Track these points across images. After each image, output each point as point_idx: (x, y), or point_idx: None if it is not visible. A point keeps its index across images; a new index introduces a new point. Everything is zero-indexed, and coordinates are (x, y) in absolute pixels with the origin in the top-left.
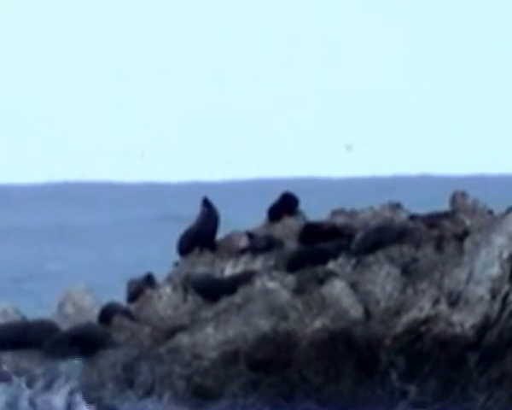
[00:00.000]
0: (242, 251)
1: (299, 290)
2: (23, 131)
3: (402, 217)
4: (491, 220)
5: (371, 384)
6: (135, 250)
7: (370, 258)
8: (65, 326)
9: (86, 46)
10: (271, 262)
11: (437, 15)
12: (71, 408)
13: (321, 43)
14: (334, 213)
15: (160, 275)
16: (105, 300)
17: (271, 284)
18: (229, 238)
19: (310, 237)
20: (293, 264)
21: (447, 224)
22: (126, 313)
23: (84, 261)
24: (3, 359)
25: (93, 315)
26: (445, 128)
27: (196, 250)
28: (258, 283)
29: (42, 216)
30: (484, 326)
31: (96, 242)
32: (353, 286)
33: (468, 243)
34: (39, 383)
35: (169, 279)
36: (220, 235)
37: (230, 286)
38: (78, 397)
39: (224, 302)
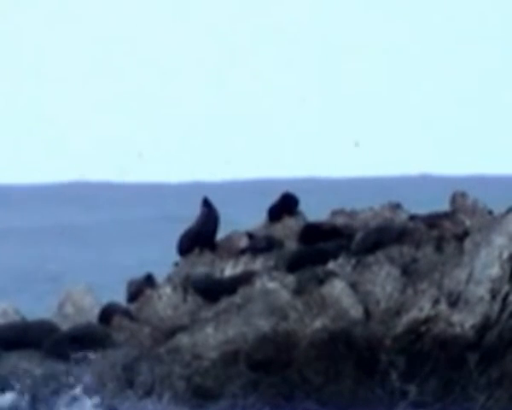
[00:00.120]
0: (242, 251)
1: (299, 290)
2: (23, 131)
3: (402, 217)
4: (491, 221)
5: (371, 384)
6: (135, 250)
7: (370, 258)
8: (65, 326)
9: (86, 46)
10: (271, 262)
11: (437, 15)
12: (71, 408)
13: (320, 43)
14: (334, 213)
15: (160, 275)
16: (105, 300)
17: (271, 285)
18: (229, 238)
19: (310, 237)
20: (294, 264)
21: (447, 224)
22: (126, 314)
23: (84, 261)
24: (3, 359)
25: (93, 315)
26: (445, 128)
27: (196, 250)
28: (258, 283)
29: (42, 216)
30: (484, 326)
31: (95, 242)
32: (353, 286)
33: (468, 244)
34: (40, 384)
35: (169, 279)
36: (220, 235)
37: (230, 286)
38: (79, 397)
39: (223, 302)
